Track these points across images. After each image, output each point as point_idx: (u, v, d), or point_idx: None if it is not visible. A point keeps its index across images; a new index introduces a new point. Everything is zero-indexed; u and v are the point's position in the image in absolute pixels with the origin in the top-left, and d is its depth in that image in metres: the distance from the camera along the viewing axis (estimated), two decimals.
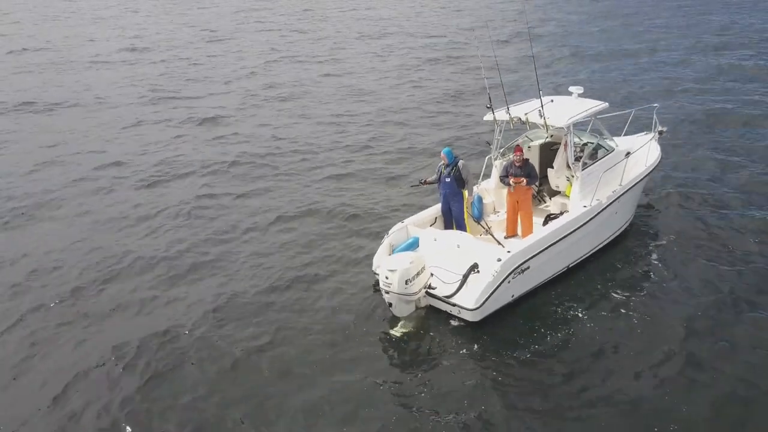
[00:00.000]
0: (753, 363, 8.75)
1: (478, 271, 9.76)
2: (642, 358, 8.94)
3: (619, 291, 10.48)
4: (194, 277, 11.60)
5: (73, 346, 9.81)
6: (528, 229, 11.10)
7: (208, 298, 10.85)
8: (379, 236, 11.72)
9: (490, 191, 12.31)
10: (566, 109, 11.37)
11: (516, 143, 12.42)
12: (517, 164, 11.03)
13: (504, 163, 11.75)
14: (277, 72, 29.28)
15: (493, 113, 11.54)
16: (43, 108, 23.73)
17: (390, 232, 11.05)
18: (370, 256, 11.24)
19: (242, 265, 11.97)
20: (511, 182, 11.02)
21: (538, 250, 10.06)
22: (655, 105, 13.74)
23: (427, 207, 11.98)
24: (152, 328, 10.00)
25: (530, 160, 11.94)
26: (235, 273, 11.67)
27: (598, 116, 11.88)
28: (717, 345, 9.15)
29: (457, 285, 9.72)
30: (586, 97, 12.16)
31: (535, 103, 11.36)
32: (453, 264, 10.17)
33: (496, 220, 11.87)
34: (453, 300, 9.66)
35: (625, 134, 13.28)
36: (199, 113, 22.47)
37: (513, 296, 9.98)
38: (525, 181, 10.93)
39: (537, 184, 11.64)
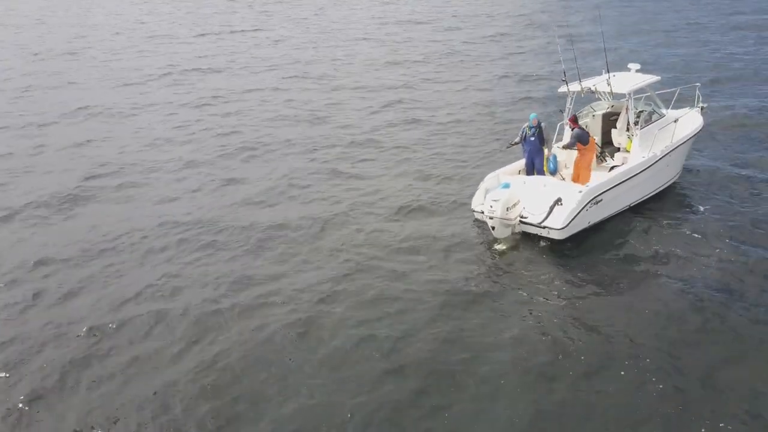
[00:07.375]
0: None
1: (561, 204, 12.54)
2: (691, 286, 11.05)
3: (669, 228, 13.03)
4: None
5: None
6: (584, 177, 13.71)
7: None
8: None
9: (563, 151, 15.07)
10: (627, 80, 14.22)
11: (581, 112, 15.29)
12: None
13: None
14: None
15: (567, 85, 14.37)
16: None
17: (485, 178, 13.85)
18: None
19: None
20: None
21: (609, 187, 12.84)
22: (697, 84, 16.23)
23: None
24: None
25: (593, 128, 14.79)
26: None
27: (651, 89, 14.62)
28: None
29: (545, 214, 12.53)
30: (641, 72, 14.93)
31: (602, 77, 14.16)
32: (541, 200, 12.93)
33: (568, 174, 14.63)
34: (543, 224, 12.44)
35: (672, 108, 15.92)
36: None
37: (589, 222, 12.71)
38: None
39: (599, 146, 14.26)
